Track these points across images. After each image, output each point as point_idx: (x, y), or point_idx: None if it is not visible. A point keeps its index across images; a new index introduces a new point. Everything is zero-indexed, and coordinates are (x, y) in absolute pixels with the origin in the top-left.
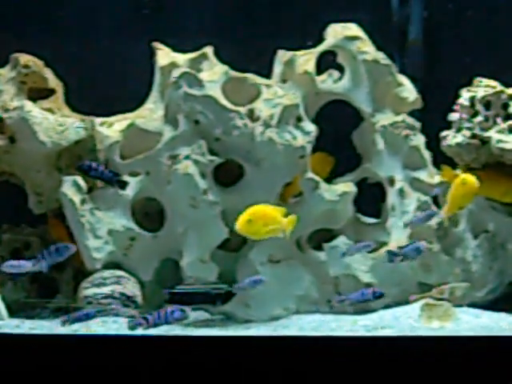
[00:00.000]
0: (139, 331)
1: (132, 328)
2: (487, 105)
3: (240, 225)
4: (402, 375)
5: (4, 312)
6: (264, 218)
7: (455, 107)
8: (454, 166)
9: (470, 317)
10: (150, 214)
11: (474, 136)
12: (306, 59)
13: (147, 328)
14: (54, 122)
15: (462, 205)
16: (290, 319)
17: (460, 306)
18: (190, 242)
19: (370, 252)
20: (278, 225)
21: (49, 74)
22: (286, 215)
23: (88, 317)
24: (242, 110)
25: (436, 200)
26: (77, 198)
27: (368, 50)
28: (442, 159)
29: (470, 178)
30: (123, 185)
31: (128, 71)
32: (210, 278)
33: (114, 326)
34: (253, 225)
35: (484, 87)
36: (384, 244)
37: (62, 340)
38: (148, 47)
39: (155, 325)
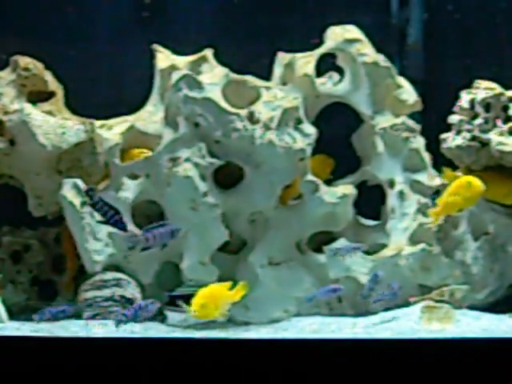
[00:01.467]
0: (138, 334)
1: (117, 325)
2: (487, 107)
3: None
4: (403, 377)
5: (4, 315)
6: (215, 300)
7: (455, 109)
8: (454, 168)
9: (470, 319)
10: (150, 217)
11: (473, 138)
12: (306, 61)
13: (127, 322)
14: (54, 125)
15: (464, 207)
16: (290, 321)
17: (460, 308)
18: (190, 245)
19: (370, 253)
20: (226, 304)
21: (49, 76)
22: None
23: (64, 314)
24: (242, 112)
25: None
26: (76, 201)
27: (368, 52)
28: (442, 161)
29: (476, 181)
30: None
31: (128, 74)
32: (210, 281)
33: (113, 328)
34: (206, 308)
35: (484, 89)
36: (384, 246)
37: (62, 342)
38: (148, 50)
39: (134, 318)
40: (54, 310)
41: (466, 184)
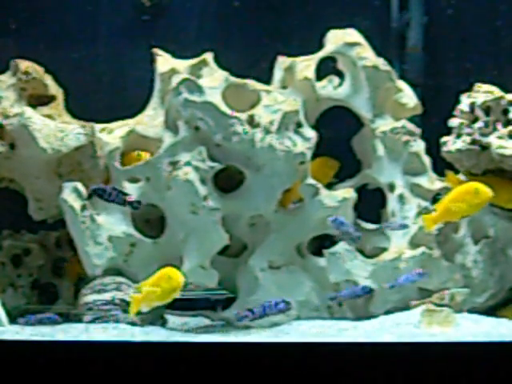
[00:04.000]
0: (139, 338)
1: (239, 320)
2: (487, 110)
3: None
4: (403, 381)
5: (4, 318)
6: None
7: (455, 113)
8: (454, 171)
9: (470, 322)
10: (150, 221)
11: (474, 142)
12: (306, 65)
13: (253, 320)
14: (55, 129)
15: (469, 214)
16: (290, 325)
17: (460, 311)
18: (191, 248)
19: (370, 257)
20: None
21: (49, 80)
22: None
23: (50, 320)
24: (242, 116)
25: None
26: (77, 204)
27: (368, 55)
28: (442, 165)
29: (483, 188)
30: (136, 205)
31: (128, 77)
32: (210, 284)
33: (114, 332)
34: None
35: (484, 93)
36: (384, 249)
37: (63, 346)
38: (148, 53)
39: (260, 316)
40: (40, 317)
41: (473, 190)
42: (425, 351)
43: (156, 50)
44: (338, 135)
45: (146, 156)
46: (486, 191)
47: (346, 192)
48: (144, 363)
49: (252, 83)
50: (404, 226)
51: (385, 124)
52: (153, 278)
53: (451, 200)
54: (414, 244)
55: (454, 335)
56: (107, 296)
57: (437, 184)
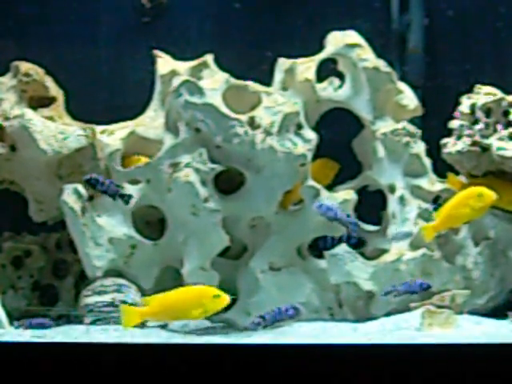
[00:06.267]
0: (139, 340)
1: (254, 329)
2: (488, 112)
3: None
4: (403, 382)
5: (5, 320)
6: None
7: (456, 114)
8: (455, 173)
9: (470, 324)
10: (150, 222)
11: (474, 143)
12: (307, 67)
13: (266, 326)
14: (55, 130)
15: (472, 219)
16: (291, 327)
17: (461, 313)
18: (191, 250)
19: (371, 259)
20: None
21: (49, 82)
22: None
23: (44, 326)
24: (243, 117)
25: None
26: (77, 206)
27: (368, 57)
28: (442, 167)
29: (487, 191)
30: (127, 199)
31: (129, 79)
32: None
33: (114, 334)
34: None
35: (484, 94)
36: (385, 251)
37: (63, 348)
38: (148, 55)
39: (272, 322)
40: (34, 322)
41: (476, 194)
42: (425, 353)
43: (156, 52)
44: (338, 137)
45: (146, 160)
46: (489, 194)
47: (347, 194)
48: (144, 365)
49: (252, 85)
50: (408, 235)
51: (385, 126)
52: (181, 297)
53: (453, 207)
54: (414, 246)
55: (454, 337)
56: (108, 298)
57: (437, 186)
